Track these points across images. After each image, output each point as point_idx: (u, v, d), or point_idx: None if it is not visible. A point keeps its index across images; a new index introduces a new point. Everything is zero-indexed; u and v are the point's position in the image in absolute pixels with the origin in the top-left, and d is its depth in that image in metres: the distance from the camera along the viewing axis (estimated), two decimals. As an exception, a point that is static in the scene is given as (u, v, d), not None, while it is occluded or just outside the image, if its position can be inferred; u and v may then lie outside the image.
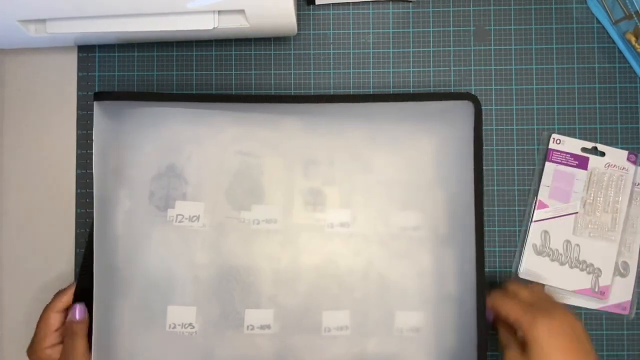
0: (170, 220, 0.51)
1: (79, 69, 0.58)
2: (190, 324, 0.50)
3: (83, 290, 0.50)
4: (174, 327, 0.50)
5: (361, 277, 0.51)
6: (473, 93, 0.57)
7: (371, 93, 0.57)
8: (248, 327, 0.50)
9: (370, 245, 0.52)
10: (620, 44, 0.56)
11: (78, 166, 0.58)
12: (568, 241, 0.55)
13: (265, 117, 0.53)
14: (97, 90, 0.58)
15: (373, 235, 0.52)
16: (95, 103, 0.50)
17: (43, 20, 0.51)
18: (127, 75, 0.58)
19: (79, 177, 0.58)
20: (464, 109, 0.52)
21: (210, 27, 0.51)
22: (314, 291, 0.51)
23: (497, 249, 0.56)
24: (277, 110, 0.53)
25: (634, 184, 0.55)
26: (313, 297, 0.51)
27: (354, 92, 0.57)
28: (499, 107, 0.57)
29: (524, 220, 0.56)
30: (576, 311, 0.55)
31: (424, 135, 0.53)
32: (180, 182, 0.51)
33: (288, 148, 0.53)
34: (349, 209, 0.52)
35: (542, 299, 0.48)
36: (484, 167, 0.56)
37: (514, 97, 0.57)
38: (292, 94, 0.57)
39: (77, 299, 0.51)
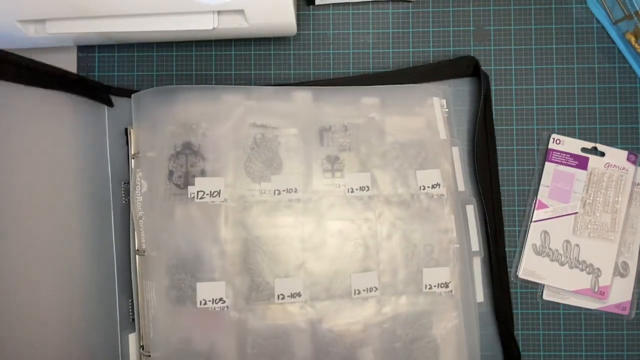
0: (191, 198, 0.51)
1: (79, 69, 0.58)
2: (220, 299, 0.50)
3: None
4: (205, 304, 0.50)
5: (385, 238, 0.52)
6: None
7: (370, 73, 0.58)
8: (279, 296, 0.50)
9: (391, 206, 0.52)
10: (620, 44, 0.56)
11: (78, 166, 0.58)
12: (568, 241, 0.55)
13: (276, 90, 0.53)
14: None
15: (394, 196, 0.52)
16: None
17: (43, 21, 0.51)
18: (127, 75, 0.58)
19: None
20: (467, 69, 0.55)
21: (210, 27, 0.51)
22: (341, 255, 0.51)
23: (496, 249, 0.56)
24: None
25: (633, 184, 0.55)
26: (340, 261, 0.51)
27: (354, 72, 0.58)
28: (499, 107, 0.57)
29: (523, 220, 0.56)
30: (576, 311, 0.55)
31: (433, 96, 0.54)
32: (197, 159, 0.51)
33: (302, 118, 0.53)
34: (367, 172, 0.52)
35: None
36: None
37: (514, 97, 0.57)
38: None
39: None
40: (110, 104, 0.54)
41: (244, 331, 0.50)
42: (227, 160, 0.52)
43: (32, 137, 0.45)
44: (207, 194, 0.51)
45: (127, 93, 0.54)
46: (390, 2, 0.58)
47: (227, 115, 0.52)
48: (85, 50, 0.58)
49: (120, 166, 0.54)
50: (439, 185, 0.52)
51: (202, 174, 0.51)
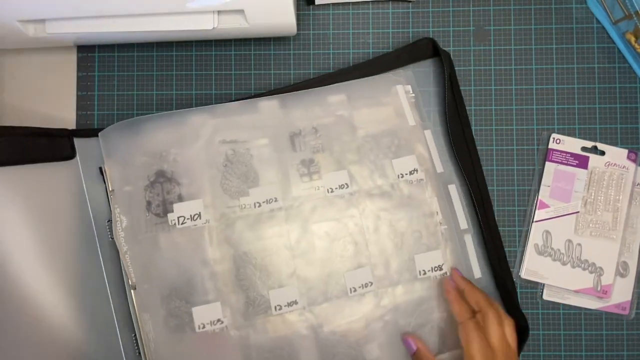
0: (172, 225, 0.51)
1: (79, 69, 0.58)
2: (218, 320, 0.50)
3: None
4: (204, 327, 0.50)
5: (373, 232, 0.52)
6: (472, 92, 0.57)
7: (332, 72, 0.57)
8: (276, 307, 0.50)
9: (373, 199, 0.52)
10: (620, 44, 0.56)
11: (77, 166, 0.58)
12: (569, 241, 0.55)
13: (240, 104, 0.53)
14: (97, 91, 0.58)
15: (374, 189, 0.52)
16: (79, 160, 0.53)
17: (43, 21, 0.51)
18: (127, 75, 0.58)
19: (78, 178, 0.58)
20: (427, 50, 0.56)
21: (210, 27, 0.51)
22: (331, 256, 0.51)
23: (497, 248, 0.56)
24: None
25: (634, 183, 0.55)
26: (331, 262, 0.51)
27: (314, 74, 0.58)
28: (498, 107, 0.57)
29: (525, 220, 0.56)
30: (576, 311, 0.55)
31: (396, 84, 0.55)
32: (172, 185, 0.51)
33: (270, 127, 0.53)
34: (344, 170, 0.52)
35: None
36: (484, 167, 0.56)
37: (513, 97, 0.57)
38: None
39: None
40: (71, 156, 0.53)
41: (247, 348, 0.50)
42: (202, 182, 0.51)
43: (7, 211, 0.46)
44: (188, 218, 0.51)
45: (93, 133, 0.53)
46: (390, 2, 0.58)
47: (194, 136, 0.52)
48: (85, 50, 0.58)
49: (101, 205, 0.53)
50: (417, 170, 0.53)
51: (180, 199, 0.51)
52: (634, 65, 0.56)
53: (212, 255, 0.50)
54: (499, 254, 0.54)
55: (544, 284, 0.55)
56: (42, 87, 0.58)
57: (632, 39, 0.53)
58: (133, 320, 0.51)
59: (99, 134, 0.53)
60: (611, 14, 0.55)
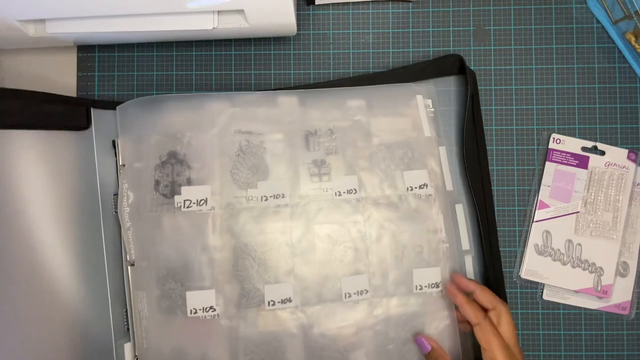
0: (178, 207, 0.51)
1: (79, 69, 0.58)
2: (211, 307, 0.50)
3: None
4: (195, 312, 0.50)
5: (375, 240, 0.52)
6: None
7: (353, 77, 0.57)
8: (269, 302, 0.50)
9: (380, 208, 0.52)
10: (620, 44, 0.56)
11: (77, 166, 0.58)
12: (570, 241, 0.55)
13: (260, 96, 0.53)
14: (97, 91, 0.58)
15: (381, 198, 0.52)
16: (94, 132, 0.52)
17: (43, 21, 0.51)
18: (127, 75, 0.58)
19: (78, 178, 0.58)
20: (453, 66, 0.56)
21: (210, 27, 0.51)
22: (330, 259, 0.51)
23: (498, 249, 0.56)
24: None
25: (634, 183, 0.55)
26: (330, 265, 0.51)
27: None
28: (498, 107, 0.57)
29: (525, 220, 0.56)
30: (576, 311, 0.55)
31: (418, 93, 0.55)
32: (183, 168, 0.51)
33: (287, 122, 0.53)
34: (354, 175, 0.52)
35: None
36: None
37: (514, 97, 0.57)
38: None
39: None
40: (86, 126, 0.52)
41: (235, 339, 0.50)
42: (212, 168, 0.51)
43: (16, 172, 0.47)
44: (194, 203, 0.51)
45: (112, 105, 0.53)
46: (390, 2, 0.58)
47: (211, 122, 0.52)
48: (85, 50, 0.58)
49: (109, 179, 0.54)
50: (427, 185, 0.52)
51: (188, 182, 0.51)
52: (634, 65, 0.56)
53: (213, 242, 0.50)
54: (497, 278, 0.54)
55: (544, 284, 0.55)
56: (42, 87, 0.58)
57: (632, 39, 0.54)
58: (126, 296, 0.51)
59: (117, 107, 0.53)
60: (611, 14, 0.55)
